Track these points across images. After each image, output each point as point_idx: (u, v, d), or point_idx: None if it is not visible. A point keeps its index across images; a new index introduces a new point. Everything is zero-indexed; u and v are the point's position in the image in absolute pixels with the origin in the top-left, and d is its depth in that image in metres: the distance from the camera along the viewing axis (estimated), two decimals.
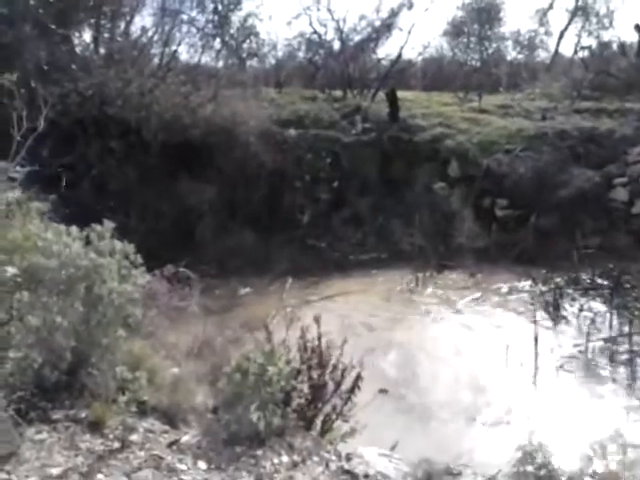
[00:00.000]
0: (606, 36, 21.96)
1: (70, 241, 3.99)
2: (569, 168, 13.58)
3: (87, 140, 12.49)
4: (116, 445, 3.50)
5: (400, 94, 17.01)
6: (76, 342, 3.82)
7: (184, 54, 17.72)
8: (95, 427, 3.60)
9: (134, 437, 3.62)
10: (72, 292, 3.91)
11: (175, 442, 3.73)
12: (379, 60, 21.94)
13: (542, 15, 23.73)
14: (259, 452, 3.73)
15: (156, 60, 15.90)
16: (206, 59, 18.01)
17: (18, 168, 6.55)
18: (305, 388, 4.42)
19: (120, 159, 12.71)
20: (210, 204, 13.23)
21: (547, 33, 24.06)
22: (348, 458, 4.01)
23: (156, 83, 14.05)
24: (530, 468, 3.58)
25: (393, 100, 16.41)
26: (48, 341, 3.68)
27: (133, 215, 11.51)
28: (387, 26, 21.22)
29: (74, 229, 4.15)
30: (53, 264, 3.87)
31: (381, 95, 17.79)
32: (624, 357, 7.88)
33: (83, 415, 3.67)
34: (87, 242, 4.14)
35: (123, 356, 4.09)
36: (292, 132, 15.60)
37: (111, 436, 3.57)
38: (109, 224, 4.20)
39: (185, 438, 3.81)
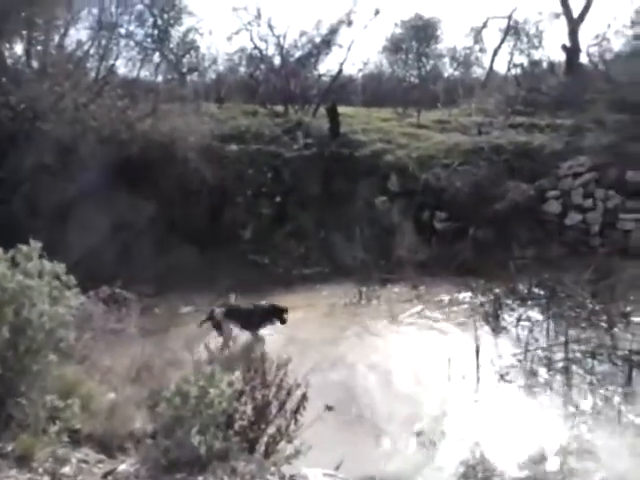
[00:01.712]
0: (536, 55, 23.12)
1: None
2: (504, 182, 13.98)
3: (19, 155, 12.01)
4: (46, 479, 3.31)
5: (341, 109, 17.19)
6: (2, 370, 3.62)
7: (122, 68, 17.40)
8: (23, 461, 3.39)
9: (66, 469, 3.44)
10: None
11: (111, 472, 3.56)
12: (320, 76, 22.15)
13: (477, 33, 24.59)
14: (200, 478, 3.60)
15: (92, 74, 15.51)
16: (145, 73, 17.79)
17: None
18: (248, 409, 4.32)
19: (55, 174, 12.27)
20: (149, 220, 12.93)
21: (482, 50, 24.98)
22: None
23: (92, 97, 13.70)
24: None
25: (334, 115, 16.55)
26: None
27: (68, 233, 11.11)
28: (327, 42, 21.47)
29: None
30: None
31: (322, 110, 17.92)
32: (560, 365, 8.09)
33: (9, 449, 3.46)
34: (14, 263, 3.94)
35: (55, 383, 3.90)
36: (233, 147, 15.49)
37: (40, 470, 3.37)
38: (36, 244, 4.01)
39: (122, 467, 3.64)
